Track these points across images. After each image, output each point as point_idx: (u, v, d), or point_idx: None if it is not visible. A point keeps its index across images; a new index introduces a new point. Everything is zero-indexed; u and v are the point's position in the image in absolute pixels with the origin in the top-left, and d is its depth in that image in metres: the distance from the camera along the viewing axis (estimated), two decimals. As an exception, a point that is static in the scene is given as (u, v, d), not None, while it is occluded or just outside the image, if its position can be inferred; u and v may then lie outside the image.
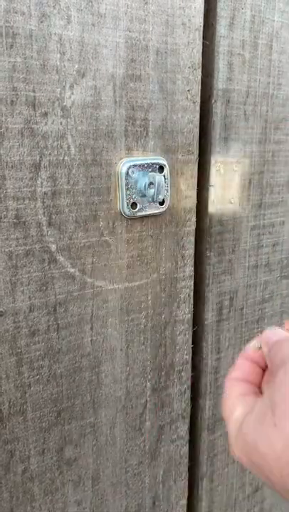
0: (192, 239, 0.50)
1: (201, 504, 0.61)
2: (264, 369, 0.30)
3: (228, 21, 0.46)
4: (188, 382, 0.54)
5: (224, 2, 0.45)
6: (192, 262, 0.50)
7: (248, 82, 0.49)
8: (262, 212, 0.55)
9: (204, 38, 0.46)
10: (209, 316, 0.54)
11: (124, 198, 0.42)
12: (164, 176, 0.44)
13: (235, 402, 0.27)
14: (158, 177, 0.42)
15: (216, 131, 0.48)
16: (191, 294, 0.51)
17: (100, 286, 0.44)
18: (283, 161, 0.55)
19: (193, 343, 0.55)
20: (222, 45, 0.46)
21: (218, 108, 0.48)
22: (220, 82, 0.47)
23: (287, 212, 0.58)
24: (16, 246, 0.38)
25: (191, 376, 0.54)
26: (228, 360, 0.58)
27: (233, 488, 0.64)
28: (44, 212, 0.39)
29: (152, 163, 0.43)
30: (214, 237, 0.52)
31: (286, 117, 0.54)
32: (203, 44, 0.45)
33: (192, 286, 0.51)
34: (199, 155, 0.48)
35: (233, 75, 0.48)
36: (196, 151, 0.47)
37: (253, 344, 0.30)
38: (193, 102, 0.45)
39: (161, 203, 0.45)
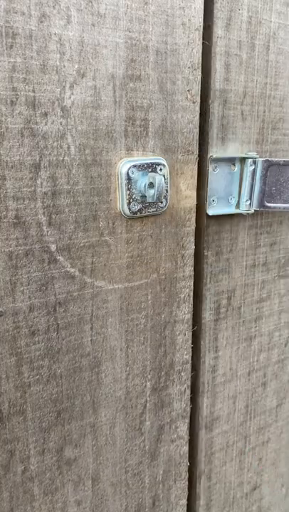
0: (192, 239, 0.50)
1: (199, 502, 0.61)
2: None
3: (225, 22, 0.46)
4: (188, 382, 0.54)
5: (221, 3, 0.45)
6: (192, 262, 0.50)
7: (245, 82, 0.49)
8: (259, 211, 0.56)
9: (204, 38, 0.46)
10: (207, 315, 0.54)
11: (124, 198, 0.42)
12: (164, 176, 0.44)
13: None
14: (158, 177, 0.42)
15: (213, 131, 0.49)
16: (191, 293, 0.51)
17: (100, 286, 0.44)
18: (283, 161, 0.56)
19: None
20: (219, 46, 0.46)
21: (215, 108, 0.48)
22: (217, 83, 0.47)
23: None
24: (16, 246, 0.38)
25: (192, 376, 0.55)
26: (225, 358, 0.58)
27: (231, 486, 0.65)
28: (44, 212, 0.39)
29: (152, 163, 0.43)
30: (212, 236, 0.52)
31: (283, 117, 0.54)
32: (203, 44, 0.46)
33: (192, 286, 0.51)
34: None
35: (230, 76, 0.48)
36: (196, 151, 0.47)
37: None
38: (193, 102, 0.45)
39: (161, 203, 0.45)
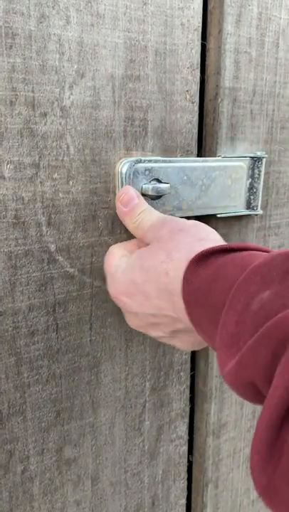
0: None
1: (206, 510, 0.61)
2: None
3: (235, 18, 0.46)
4: (188, 382, 0.54)
5: None
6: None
7: (254, 80, 0.49)
8: (268, 213, 0.55)
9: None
10: None
11: (123, 198, 0.42)
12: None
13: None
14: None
15: (223, 131, 0.48)
16: (190, 293, 0.51)
17: (99, 286, 0.44)
18: None
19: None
20: (229, 43, 0.46)
21: (224, 107, 0.48)
22: (226, 81, 0.47)
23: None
24: (16, 246, 0.38)
25: (191, 375, 0.55)
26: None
27: (237, 493, 0.64)
28: (43, 213, 0.39)
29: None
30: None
31: None
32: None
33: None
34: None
35: (240, 74, 0.48)
36: (195, 151, 0.47)
37: None
38: (192, 102, 0.46)
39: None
